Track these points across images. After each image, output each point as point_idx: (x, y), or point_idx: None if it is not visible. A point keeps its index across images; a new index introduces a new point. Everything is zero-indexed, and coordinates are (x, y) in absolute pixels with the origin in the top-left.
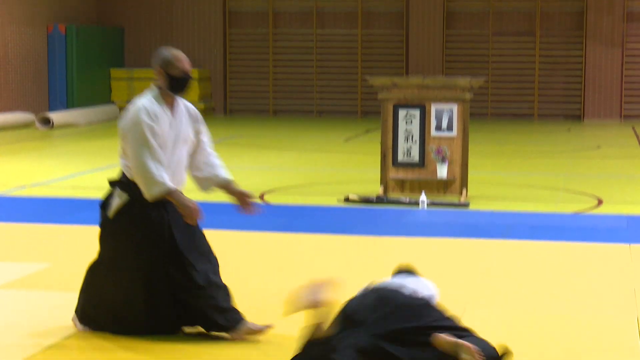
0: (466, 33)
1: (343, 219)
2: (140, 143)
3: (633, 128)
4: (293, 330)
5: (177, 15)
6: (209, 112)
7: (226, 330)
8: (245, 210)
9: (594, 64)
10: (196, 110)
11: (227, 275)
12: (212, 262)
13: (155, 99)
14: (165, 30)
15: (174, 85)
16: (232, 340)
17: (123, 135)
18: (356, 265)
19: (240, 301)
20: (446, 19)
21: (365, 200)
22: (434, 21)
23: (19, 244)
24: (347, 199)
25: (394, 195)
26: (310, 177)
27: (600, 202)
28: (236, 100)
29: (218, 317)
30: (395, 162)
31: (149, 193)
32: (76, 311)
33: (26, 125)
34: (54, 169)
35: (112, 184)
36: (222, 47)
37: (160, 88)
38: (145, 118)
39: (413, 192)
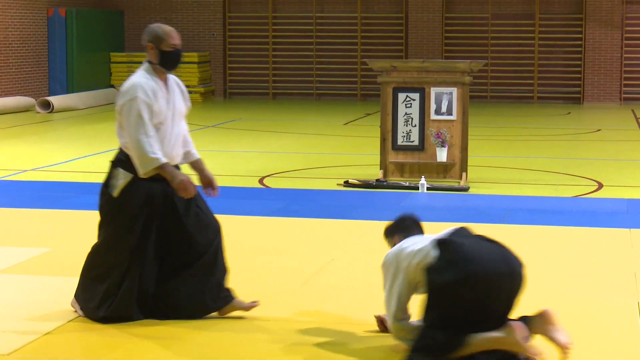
0: (465, 16)
1: (343, 202)
2: (135, 119)
3: (633, 111)
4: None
5: None
6: (208, 96)
7: (213, 310)
8: (207, 193)
9: (593, 47)
10: (184, 85)
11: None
12: (213, 233)
13: (150, 75)
14: (165, 14)
15: (166, 60)
16: (220, 316)
17: (119, 111)
18: (356, 249)
19: (237, 287)
20: (445, 2)
21: (365, 184)
22: (433, 4)
23: (20, 228)
24: (346, 183)
25: (393, 178)
26: (310, 161)
27: (600, 185)
28: (236, 83)
29: (208, 297)
30: (394, 145)
31: (142, 169)
32: (76, 295)
33: (26, 109)
34: (54, 153)
35: (114, 164)
36: (222, 31)
37: (152, 64)
38: (141, 94)
39: (413, 176)
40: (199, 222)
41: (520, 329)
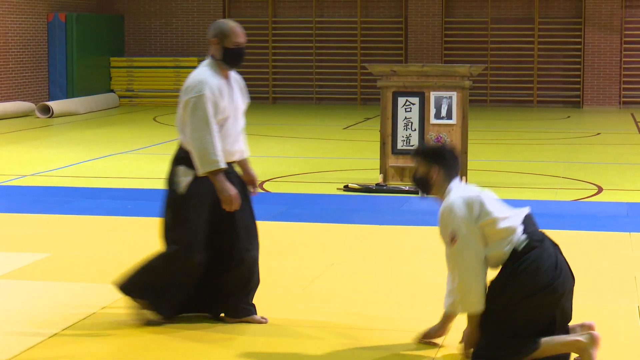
0: (465, 20)
1: (343, 207)
2: (200, 117)
3: (632, 115)
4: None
5: (177, 3)
6: None
7: (234, 317)
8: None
9: (592, 51)
10: (243, 81)
11: None
12: (254, 242)
13: (214, 71)
14: (165, 18)
15: (228, 57)
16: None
17: (184, 106)
18: (356, 253)
19: None
20: (445, 7)
21: (365, 188)
22: (433, 8)
23: (20, 233)
24: (346, 187)
25: (393, 183)
26: (310, 165)
27: (600, 189)
28: None
29: (233, 304)
30: (394, 149)
31: (202, 168)
32: (127, 288)
33: (26, 114)
34: (54, 158)
35: (176, 162)
36: None
37: (215, 59)
38: (207, 92)
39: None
40: (247, 227)
41: (599, 341)
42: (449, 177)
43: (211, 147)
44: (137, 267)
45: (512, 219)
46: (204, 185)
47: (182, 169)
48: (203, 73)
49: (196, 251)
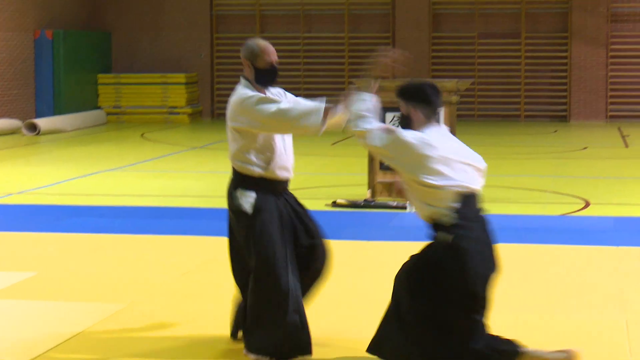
0: (452, 35)
1: (330, 223)
2: (267, 105)
3: (619, 128)
4: None
5: (164, 19)
6: (196, 117)
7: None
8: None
9: (579, 65)
10: (281, 89)
11: (215, 282)
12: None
13: (249, 90)
14: (152, 35)
15: (260, 77)
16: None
17: (246, 126)
18: (344, 269)
19: (228, 307)
20: (433, 21)
21: (353, 204)
22: (420, 23)
23: (5, 252)
24: (334, 203)
25: (381, 198)
26: (298, 181)
27: (587, 203)
28: (223, 104)
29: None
30: (382, 165)
31: (315, 123)
32: (251, 345)
33: (13, 132)
34: (40, 176)
35: (234, 186)
36: (210, 51)
37: (248, 80)
38: (255, 92)
39: (400, 196)
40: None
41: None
42: (428, 117)
43: (297, 106)
44: (252, 325)
45: (448, 180)
46: (269, 203)
47: (240, 190)
48: (240, 92)
49: (282, 274)
